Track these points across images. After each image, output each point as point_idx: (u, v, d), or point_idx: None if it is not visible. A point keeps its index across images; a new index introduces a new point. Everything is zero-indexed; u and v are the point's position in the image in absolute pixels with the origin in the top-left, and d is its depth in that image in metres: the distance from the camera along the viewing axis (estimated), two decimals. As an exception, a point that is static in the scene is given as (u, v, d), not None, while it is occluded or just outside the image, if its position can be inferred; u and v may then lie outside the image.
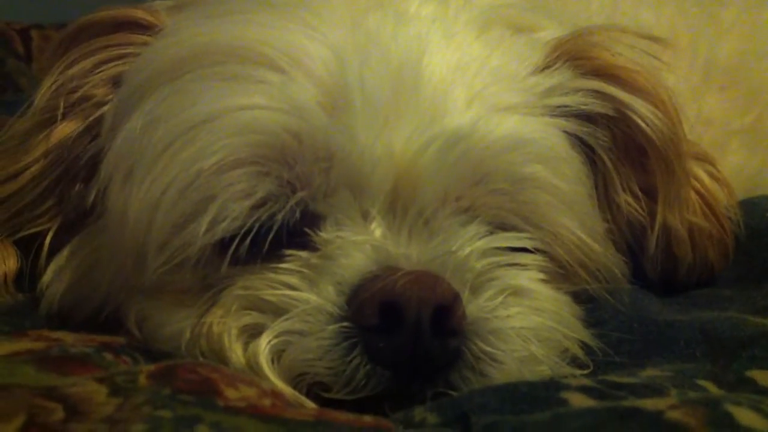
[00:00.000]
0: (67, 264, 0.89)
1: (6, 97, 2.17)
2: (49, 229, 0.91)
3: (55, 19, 2.34)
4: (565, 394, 0.64)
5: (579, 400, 0.63)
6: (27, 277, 0.92)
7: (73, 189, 0.90)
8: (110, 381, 0.59)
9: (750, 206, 1.13)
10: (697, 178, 0.99)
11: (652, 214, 0.94)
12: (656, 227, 0.94)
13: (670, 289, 0.99)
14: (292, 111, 0.77)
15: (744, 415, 0.57)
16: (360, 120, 0.78)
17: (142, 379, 0.60)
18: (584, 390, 0.65)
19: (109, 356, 0.73)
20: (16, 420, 0.53)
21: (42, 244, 0.91)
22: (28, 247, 0.92)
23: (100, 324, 0.85)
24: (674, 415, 0.56)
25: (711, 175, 1.01)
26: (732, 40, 1.38)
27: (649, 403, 0.58)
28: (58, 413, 0.55)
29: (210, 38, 0.83)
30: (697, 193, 0.99)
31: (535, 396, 0.63)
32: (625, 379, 0.70)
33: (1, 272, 0.90)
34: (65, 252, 0.90)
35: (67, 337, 0.77)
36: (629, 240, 0.95)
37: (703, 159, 1.02)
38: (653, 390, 0.67)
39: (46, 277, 0.89)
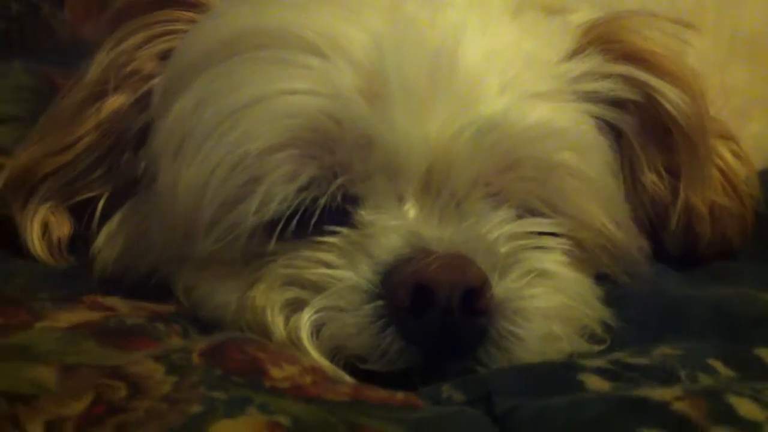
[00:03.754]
0: (118, 230, 0.94)
1: (40, 39, 2.20)
2: (100, 196, 0.97)
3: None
4: (582, 376, 0.70)
5: (594, 382, 0.69)
6: (81, 241, 0.98)
7: (123, 157, 0.95)
8: (167, 359, 0.65)
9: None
10: (720, 156, 1.02)
11: (674, 193, 0.98)
12: (678, 205, 0.98)
13: (690, 262, 1.03)
14: (333, 96, 0.82)
15: (744, 407, 0.62)
16: (397, 107, 0.82)
17: (195, 358, 0.66)
18: (599, 372, 0.71)
19: (161, 326, 0.79)
20: (85, 398, 0.59)
21: (94, 209, 0.96)
22: (81, 213, 0.97)
23: (150, 288, 0.90)
24: (679, 406, 0.61)
25: (733, 153, 1.04)
26: (757, 10, 1.39)
27: (657, 394, 0.63)
28: (122, 391, 0.61)
29: (255, 22, 0.87)
30: (719, 170, 1.02)
31: (554, 378, 0.69)
32: (638, 360, 0.75)
33: (56, 237, 0.96)
34: (116, 218, 0.95)
35: (121, 306, 0.83)
36: (652, 216, 0.99)
37: (727, 137, 1.05)
38: (664, 372, 0.72)
39: (99, 242, 0.94)
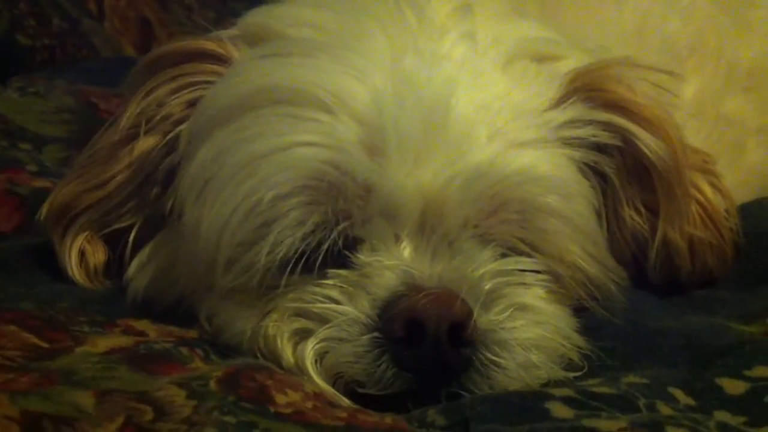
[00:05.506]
0: (148, 261, 1.05)
1: (81, 54, 2.31)
2: (132, 226, 1.07)
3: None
4: (549, 405, 0.80)
5: (559, 411, 0.79)
6: (115, 267, 1.08)
7: (152, 193, 1.06)
8: (188, 386, 0.76)
9: (757, 209, 1.24)
10: (699, 190, 1.09)
11: (653, 228, 1.06)
12: (657, 240, 1.06)
13: (673, 289, 1.10)
14: (338, 149, 0.92)
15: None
16: (394, 158, 0.92)
17: (213, 384, 0.77)
18: (565, 400, 0.80)
19: (185, 351, 0.90)
20: (117, 420, 0.70)
21: (127, 238, 1.07)
22: (115, 241, 1.07)
23: (178, 314, 1.01)
24: (621, 437, 0.70)
25: (713, 186, 1.11)
26: (757, 42, 1.46)
27: (604, 425, 0.73)
28: (149, 414, 0.72)
29: (271, 80, 0.97)
30: (699, 203, 1.09)
31: (524, 406, 0.79)
32: (603, 389, 0.84)
33: (92, 264, 1.07)
34: (147, 249, 1.05)
35: (150, 330, 0.94)
36: (634, 249, 1.08)
37: (706, 171, 1.12)
38: (624, 401, 0.82)
39: (131, 270, 1.05)
